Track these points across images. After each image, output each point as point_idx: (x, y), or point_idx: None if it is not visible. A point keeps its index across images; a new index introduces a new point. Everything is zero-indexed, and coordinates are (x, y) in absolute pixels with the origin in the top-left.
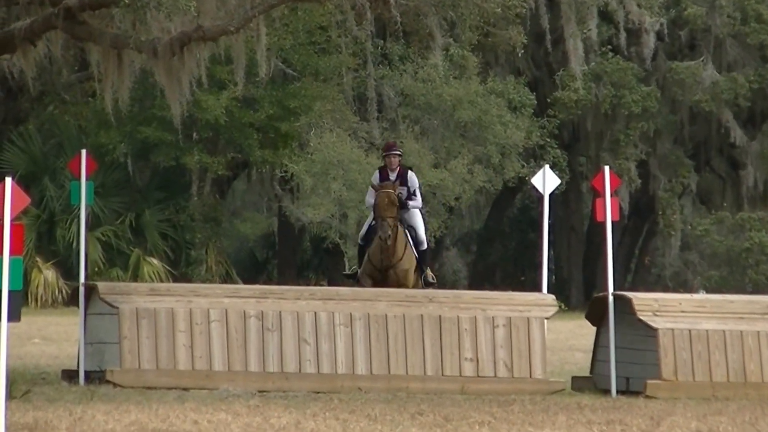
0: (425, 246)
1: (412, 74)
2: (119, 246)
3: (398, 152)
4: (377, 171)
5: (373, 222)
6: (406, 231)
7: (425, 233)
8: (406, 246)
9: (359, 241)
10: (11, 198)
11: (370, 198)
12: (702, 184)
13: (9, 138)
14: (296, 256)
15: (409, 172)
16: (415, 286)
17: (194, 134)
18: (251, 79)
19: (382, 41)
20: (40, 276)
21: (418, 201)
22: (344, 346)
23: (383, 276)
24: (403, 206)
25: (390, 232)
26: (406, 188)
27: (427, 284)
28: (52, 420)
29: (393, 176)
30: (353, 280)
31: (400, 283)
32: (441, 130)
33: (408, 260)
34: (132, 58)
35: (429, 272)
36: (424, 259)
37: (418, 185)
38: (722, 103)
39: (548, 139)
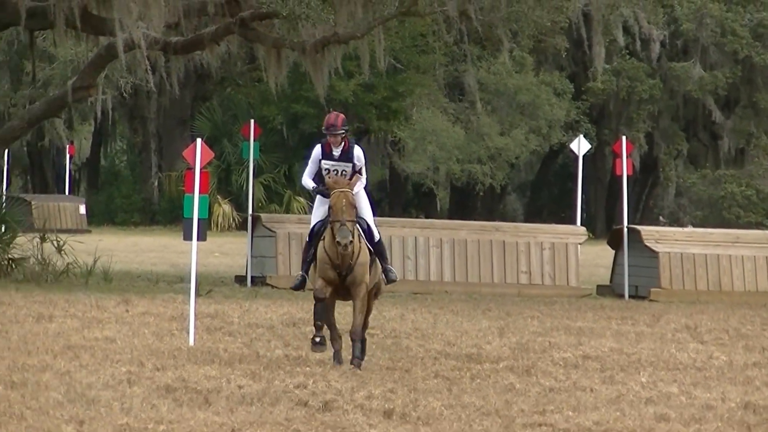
0: (379, 237)
1: (486, 69)
2: (276, 188)
3: (341, 132)
4: (318, 146)
5: (321, 222)
6: (358, 224)
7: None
8: (359, 240)
9: (306, 239)
10: (200, 153)
11: (308, 180)
12: (691, 149)
13: (199, 111)
14: (402, 197)
15: (356, 147)
16: (372, 283)
17: (330, 109)
18: (371, 71)
19: (465, 45)
20: (220, 209)
21: (363, 180)
22: (435, 261)
23: (342, 280)
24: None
25: (351, 239)
26: (351, 165)
27: (390, 281)
28: (227, 311)
29: (337, 152)
30: (300, 290)
31: (357, 282)
32: (506, 108)
33: (363, 254)
34: (287, 54)
35: (390, 267)
36: (381, 253)
37: (364, 162)
38: (706, 93)
39: (582, 116)
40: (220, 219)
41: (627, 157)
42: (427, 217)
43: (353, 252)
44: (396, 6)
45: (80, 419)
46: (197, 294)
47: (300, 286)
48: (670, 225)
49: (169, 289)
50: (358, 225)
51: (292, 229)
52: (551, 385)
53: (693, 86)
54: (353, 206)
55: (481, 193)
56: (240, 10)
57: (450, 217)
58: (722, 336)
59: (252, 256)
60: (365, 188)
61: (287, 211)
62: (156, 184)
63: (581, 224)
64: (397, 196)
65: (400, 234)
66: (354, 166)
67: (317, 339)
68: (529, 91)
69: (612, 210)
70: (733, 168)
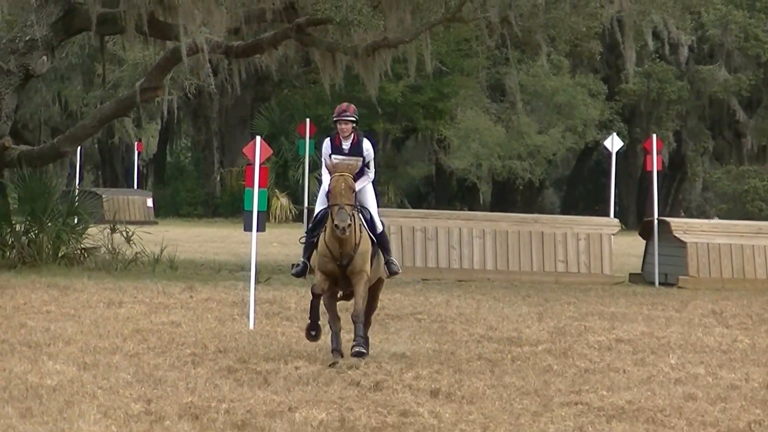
0: (381, 229)
1: (526, 71)
2: None
3: (352, 118)
4: (327, 140)
5: (323, 210)
6: (361, 214)
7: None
8: (360, 229)
9: (305, 232)
10: (260, 150)
11: (327, 176)
12: (716, 147)
13: (258, 110)
14: (447, 191)
15: (365, 140)
16: (375, 276)
17: (380, 109)
18: (418, 73)
19: (506, 49)
20: (278, 202)
21: (371, 174)
22: (478, 251)
23: (343, 272)
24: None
25: (349, 222)
26: (361, 159)
27: (392, 273)
28: (284, 297)
29: (347, 146)
30: (302, 277)
31: (357, 270)
32: (544, 108)
33: (364, 242)
34: (341, 58)
35: (393, 260)
36: (384, 245)
37: (373, 156)
38: (731, 94)
39: (615, 116)
40: (277, 211)
41: (657, 154)
42: (470, 210)
43: (354, 242)
44: (442, 12)
45: (148, 398)
46: (257, 281)
47: (301, 272)
48: (708, 219)
49: (230, 277)
50: (361, 215)
51: None
52: (586, 366)
53: (718, 88)
54: (352, 190)
55: (521, 188)
56: (297, 17)
57: (492, 210)
58: (746, 321)
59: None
60: (373, 182)
61: None
62: (218, 178)
63: (614, 216)
64: (443, 191)
65: (446, 225)
66: (363, 160)
67: (312, 333)
68: (566, 92)
69: (643, 203)
70: (755, 164)
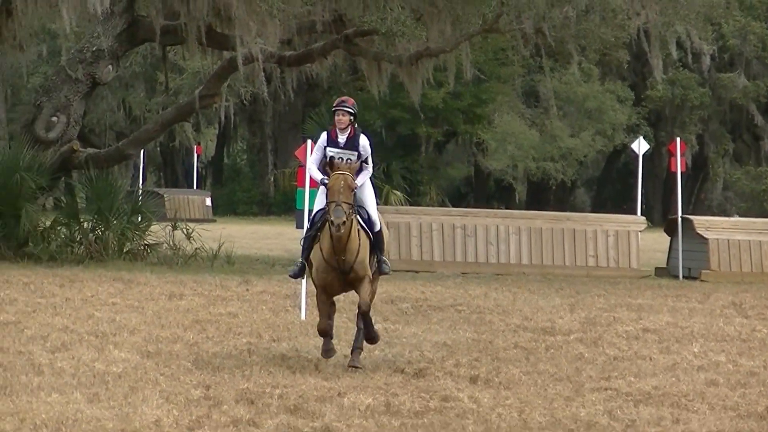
0: (379, 227)
1: (558, 79)
2: (375, 183)
3: (350, 109)
4: (324, 134)
5: (322, 211)
6: (358, 213)
7: (378, 216)
8: (359, 233)
9: (304, 233)
10: (311, 152)
11: (315, 170)
12: (736, 149)
13: (309, 115)
14: (485, 191)
15: (362, 135)
16: (371, 275)
17: (422, 114)
18: (458, 81)
19: (539, 58)
20: None
21: (369, 169)
22: (514, 247)
23: (339, 279)
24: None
25: (344, 219)
26: (356, 153)
27: (382, 273)
28: None
29: (342, 139)
30: (299, 278)
31: (360, 277)
32: (575, 113)
33: (363, 250)
34: (386, 66)
35: (385, 259)
36: (379, 244)
37: (370, 152)
38: (750, 100)
39: (641, 120)
40: None
41: (681, 156)
42: (506, 208)
43: (354, 249)
44: (480, 24)
45: (207, 384)
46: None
47: (299, 273)
48: (728, 216)
49: (283, 271)
50: (358, 215)
51: (389, 218)
52: (615, 354)
53: (738, 94)
54: (351, 189)
55: (554, 187)
56: (345, 28)
57: (526, 208)
58: (764, 312)
59: None
60: (371, 178)
61: (385, 203)
62: (272, 179)
63: (641, 214)
64: (481, 190)
65: (484, 223)
66: (360, 155)
67: (327, 351)
68: (596, 98)
69: (667, 202)
70: None
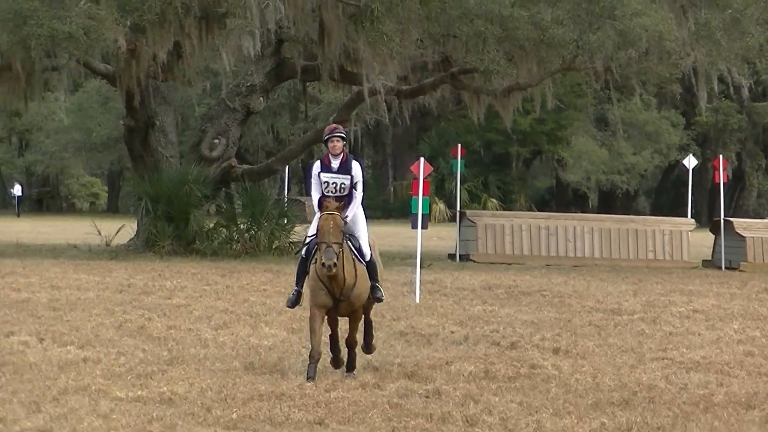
0: (369, 257)
1: (623, 107)
2: (476, 192)
3: (342, 135)
4: (318, 162)
5: (314, 240)
6: (350, 242)
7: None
8: (355, 265)
9: (302, 254)
10: (423, 168)
11: (317, 197)
12: None
13: (421, 138)
14: (564, 198)
15: (353, 161)
16: (368, 302)
17: (513, 136)
18: (542, 109)
19: (608, 90)
20: (437, 206)
21: (358, 197)
22: (588, 243)
23: (335, 305)
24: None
25: (335, 260)
26: (349, 177)
27: (375, 299)
28: (442, 279)
29: (336, 164)
30: (296, 306)
31: (354, 308)
32: (637, 135)
33: (360, 283)
34: (484, 98)
35: (379, 286)
36: (371, 273)
37: (361, 177)
38: None
39: (691, 141)
40: (437, 214)
41: (723, 170)
42: (582, 212)
43: (352, 281)
44: (560, 63)
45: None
46: (421, 266)
47: (295, 302)
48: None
49: (401, 263)
50: (350, 243)
51: (487, 221)
52: (670, 330)
53: None
54: (340, 229)
55: (620, 195)
56: (451, 67)
57: (598, 212)
58: None
59: (460, 240)
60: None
61: (484, 208)
62: (392, 189)
63: (690, 217)
64: (561, 198)
65: (564, 224)
66: (352, 178)
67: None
68: (653, 123)
69: (712, 207)
70: None
